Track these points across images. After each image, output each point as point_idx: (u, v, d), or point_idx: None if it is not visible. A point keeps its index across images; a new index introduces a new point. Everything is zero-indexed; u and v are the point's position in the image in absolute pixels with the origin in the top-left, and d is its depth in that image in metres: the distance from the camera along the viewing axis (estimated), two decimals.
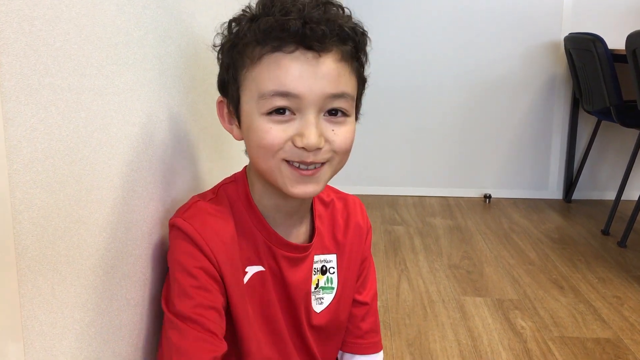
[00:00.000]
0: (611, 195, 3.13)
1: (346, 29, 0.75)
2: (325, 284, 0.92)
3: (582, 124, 3.32)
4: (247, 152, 0.82)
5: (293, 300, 0.87)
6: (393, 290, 2.15)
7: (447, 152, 3.35)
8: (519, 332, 1.85)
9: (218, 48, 0.82)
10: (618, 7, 3.19)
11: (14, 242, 0.48)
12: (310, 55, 0.73)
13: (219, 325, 0.77)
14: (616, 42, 2.78)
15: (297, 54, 0.72)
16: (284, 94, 0.73)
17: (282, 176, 0.76)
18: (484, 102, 3.32)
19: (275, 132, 0.74)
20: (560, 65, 3.27)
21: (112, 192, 0.66)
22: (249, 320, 0.83)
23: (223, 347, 0.76)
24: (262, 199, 0.83)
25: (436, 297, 2.10)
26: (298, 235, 0.88)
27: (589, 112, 3.10)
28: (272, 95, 0.73)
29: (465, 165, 3.37)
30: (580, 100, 3.12)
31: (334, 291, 0.93)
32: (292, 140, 0.74)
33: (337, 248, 0.92)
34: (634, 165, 2.76)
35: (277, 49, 0.73)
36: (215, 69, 0.83)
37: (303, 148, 0.74)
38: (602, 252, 2.55)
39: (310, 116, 0.74)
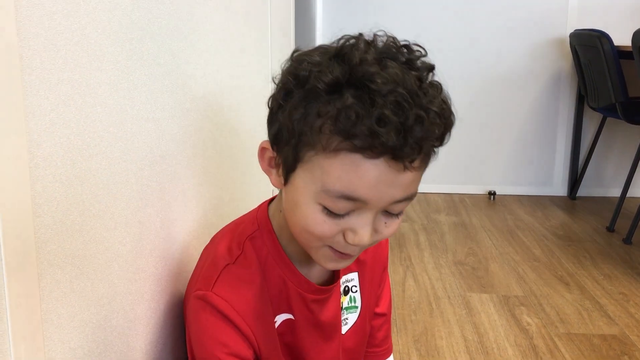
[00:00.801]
0: (616, 192, 3.13)
1: (439, 133, 0.66)
2: (349, 304, 0.89)
3: (587, 121, 3.32)
4: (284, 211, 0.75)
5: (328, 336, 0.86)
6: (399, 287, 2.15)
7: (451, 149, 3.33)
8: (525, 328, 1.85)
9: (278, 88, 0.70)
10: (624, 3, 3.18)
11: (34, 235, 0.48)
12: (394, 166, 0.63)
13: None
14: (622, 38, 2.77)
15: (381, 163, 0.63)
16: (351, 199, 0.65)
17: (318, 254, 0.73)
18: (489, 99, 3.31)
19: (327, 226, 0.68)
20: (565, 61, 3.27)
21: (126, 187, 0.67)
22: None
23: None
24: (290, 244, 0.79)
25: (442, 293, 2.11)
26: (322, 268, 0.84)
27: (594, 109, 3.09)
28: (339, 196, 0.65)
29: (469, 161, 3.37)
30: (585, 97, 3.12)
31: (358, 310, 0.91)
32: (343, 233, 0.68)
33: (357, 266, 0.89)
34: None
35: (359, 150, 0.62)
36: (228, 69, 0.83)
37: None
38: (607, 249, 2.55)
39: (370, 217, 0.67)
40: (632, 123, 2.76)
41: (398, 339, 1.78)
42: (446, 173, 3.37)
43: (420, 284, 2.18)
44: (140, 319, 0.72)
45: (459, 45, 3.27)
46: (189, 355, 0.79)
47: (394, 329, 1.83)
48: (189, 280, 0.82)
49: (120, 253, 0.66)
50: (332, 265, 0.75)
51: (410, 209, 3.08)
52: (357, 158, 0.63)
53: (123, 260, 0.67)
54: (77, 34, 0.54)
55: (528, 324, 1.88)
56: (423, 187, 3.21)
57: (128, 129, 0.66)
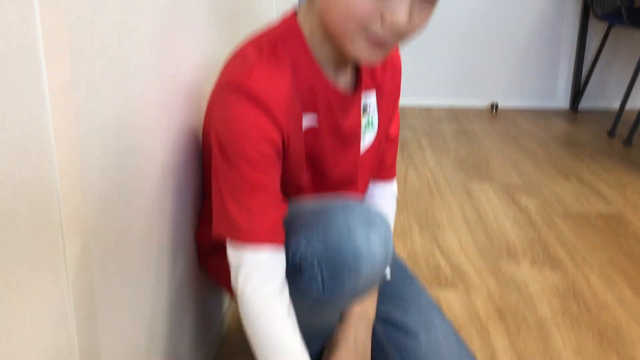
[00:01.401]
0: (618, 105, 3.13)
1: None
2: (367, 124, 0.92)
3: (591, 32, 3.29)
4: (319, 7, 0.76)
5: (347, 143, 0.89)
6: (400, 179, 2.18)
7: (453, 61, 3.33)
8: (524, 208, 1.90)
9: None
10: None
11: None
12: None
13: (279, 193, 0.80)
14: None
15: None
16: None
17: (353, 44, 0.74)
18: (492, 9, 3.28)
19: (368, 4, 0.70)
20: None
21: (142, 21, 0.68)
22: (298, 166, 0.84)
23: (285, 208, 0.80)
24: (321, 50, 0.81)
25: (442, 182, 2.14)
26: (346, 77, 0.86)
27: (599, 18, 3.07)
28: None
29: (472, 74, 3.36)
30: (591, 5, 3.09)
31: (375, 130, 0.94)
32: (381, 13, 0.70)
33: (375, 84, 0.91)
34: None
35: None
36: None
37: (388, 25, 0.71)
38: (607, 149, 2.58)
39: None
40: (637, 27, 2.74)
41: (399, 216, 1.82)
42: (448, 86, 3.37)
43: (422, 175, 2.22)
44: (153, 142, 0.74)
45: None
46: (206, 160, 0.82)
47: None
48: (215, 86, 0.82)
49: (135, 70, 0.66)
50: (367, 55, 0.75)
51: (413, 119, 3.09)
52: None
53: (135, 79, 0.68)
54: None
55: (527, 205, 1.92)
56: (425, 101, 3.21)
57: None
